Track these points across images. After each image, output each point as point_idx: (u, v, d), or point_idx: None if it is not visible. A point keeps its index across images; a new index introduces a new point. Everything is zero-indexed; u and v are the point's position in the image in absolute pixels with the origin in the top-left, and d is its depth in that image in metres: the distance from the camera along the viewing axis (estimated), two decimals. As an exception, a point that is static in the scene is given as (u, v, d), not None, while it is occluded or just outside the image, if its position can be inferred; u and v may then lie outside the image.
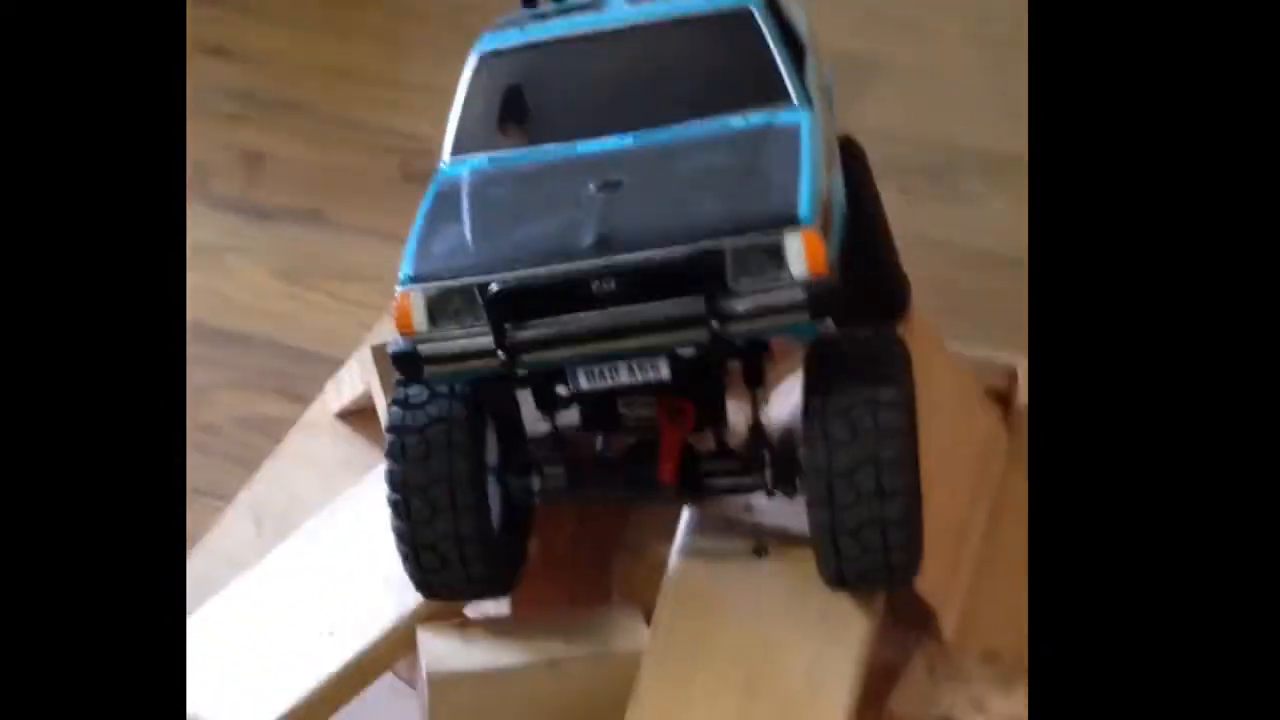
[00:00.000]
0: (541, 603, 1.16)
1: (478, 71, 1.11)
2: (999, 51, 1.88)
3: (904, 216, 1.29)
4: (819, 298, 0.95)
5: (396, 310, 0.98)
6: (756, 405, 1.05)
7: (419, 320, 0.97)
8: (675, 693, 1.05)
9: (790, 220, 0.95)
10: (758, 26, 1.08)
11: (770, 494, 1.05)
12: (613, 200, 0.98)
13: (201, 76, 1.85)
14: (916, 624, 1.16)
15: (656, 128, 1.05)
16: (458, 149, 1.09)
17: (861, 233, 1.20)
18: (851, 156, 1.21)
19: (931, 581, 1.17)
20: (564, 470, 1.06)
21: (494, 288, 0.95)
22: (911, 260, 1.29)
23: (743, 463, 1.05)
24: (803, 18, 1.19)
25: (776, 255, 0.95)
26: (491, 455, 1.06)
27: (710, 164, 1.01)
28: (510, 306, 0.96)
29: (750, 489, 1.06)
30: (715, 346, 0.96)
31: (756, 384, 1.04)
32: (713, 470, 1.05)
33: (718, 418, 1.05)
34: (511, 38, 1.12)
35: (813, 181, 0.98)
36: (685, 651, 1.06)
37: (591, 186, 1.00)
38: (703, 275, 0.95)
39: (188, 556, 1.26)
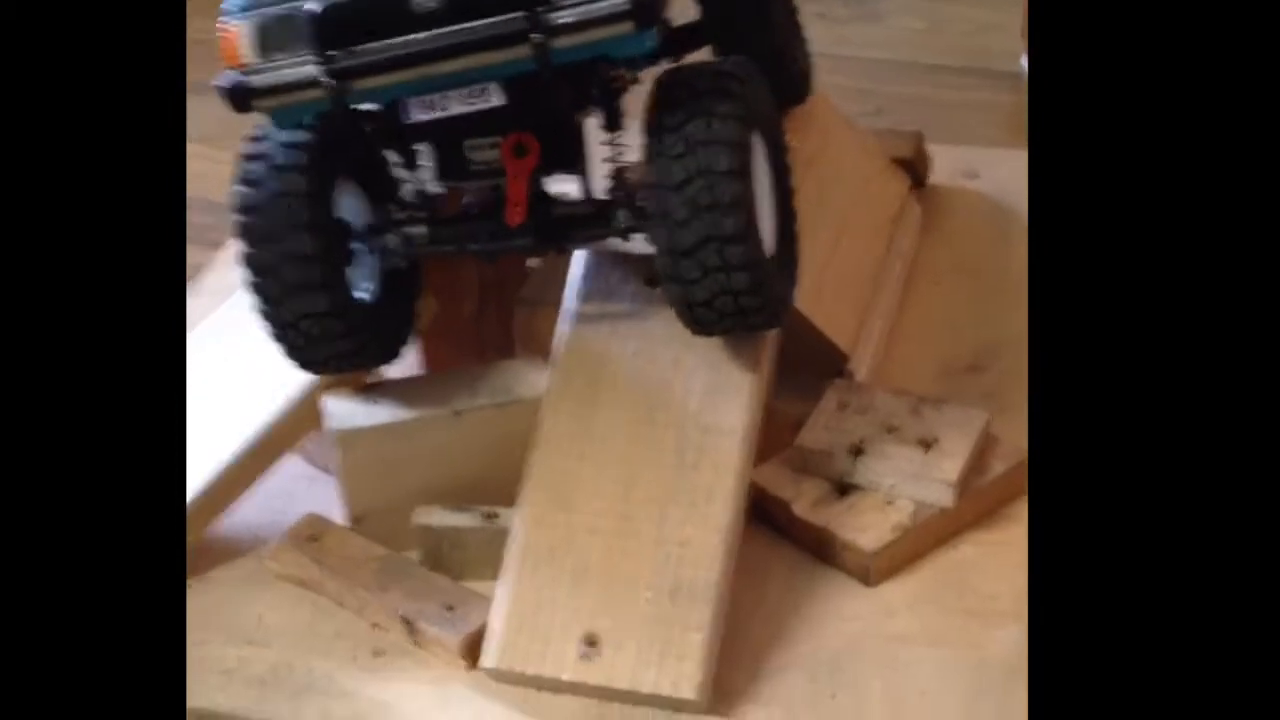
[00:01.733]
0: (449, 367, 1.15)
1: None
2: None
3: (822, 37, 1.29)
4: (643, 5, 0.93)
5: (222, 43, 0.96)
6: (615, 149, 1.03)
7: (246, 51, 0.96)
8: (576, 429, 1.04)
9: None
10: None
11: (626, 238, 1.03)
12: None
13: None
14: (830, 374, 1.16)
15: None
16: None
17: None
18: None
19: (842, 325, 1.17)
20: (426, 228, 1.04)
21: (312, 9, 0.94)
22: (826, 72, 1.28)
23: (598, 206, 1.02)
24: None
25: None
26: (361, 219, 1.05)
27: None
28: (334, 32, 0.95)
29: (607, 235, 1.03)
30: (541, 64, 0.94)
31: (614, 128, 1.02)
32: (566, 214, 1.02)
33: (568, 156, 1.02)
34: None
35: None
36: (585, 388, 1.06)
37: None
38: None
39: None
